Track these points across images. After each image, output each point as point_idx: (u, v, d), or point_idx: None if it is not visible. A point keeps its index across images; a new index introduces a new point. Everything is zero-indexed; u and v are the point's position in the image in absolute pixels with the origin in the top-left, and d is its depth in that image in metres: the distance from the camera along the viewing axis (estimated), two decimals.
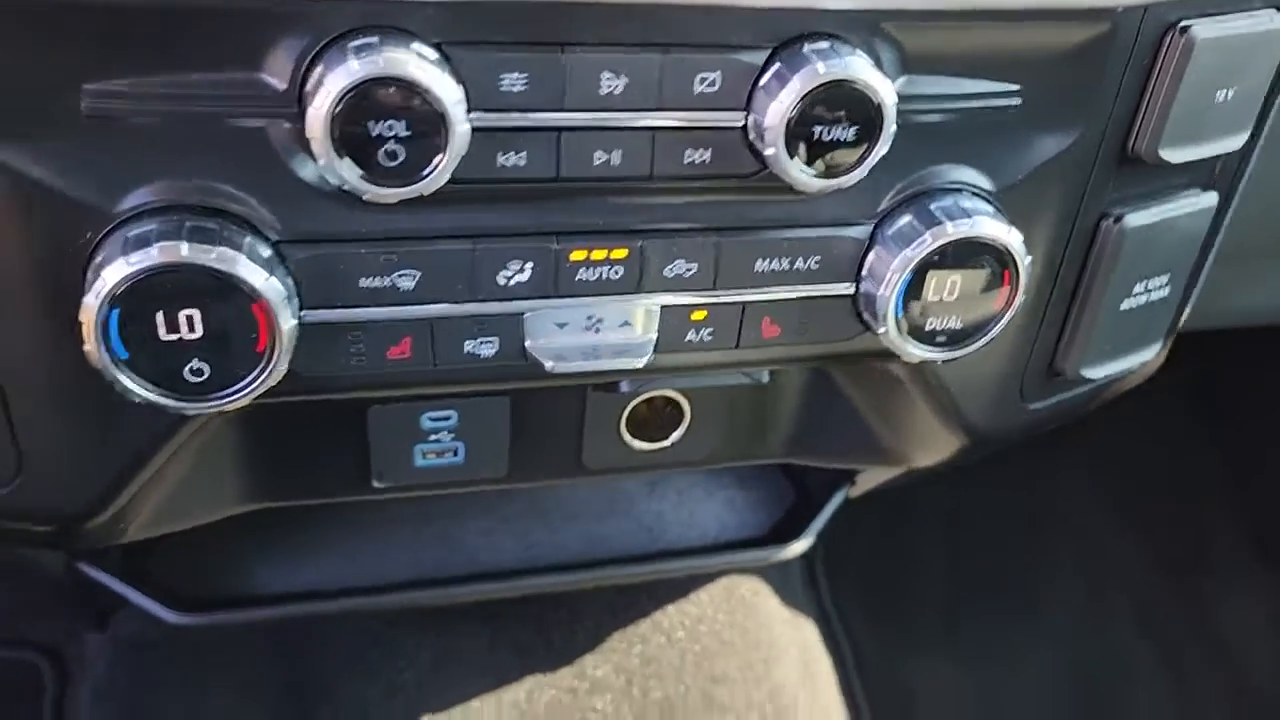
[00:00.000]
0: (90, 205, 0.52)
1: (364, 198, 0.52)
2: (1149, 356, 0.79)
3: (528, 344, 0.61)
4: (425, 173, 0.51)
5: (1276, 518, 1.49)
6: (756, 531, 1.13)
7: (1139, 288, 0.73)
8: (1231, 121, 0.68)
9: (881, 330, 0.63)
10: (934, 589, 1.54)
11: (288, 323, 0.53)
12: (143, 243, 0.51)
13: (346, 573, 1.05)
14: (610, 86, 0.54)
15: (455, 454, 0.78)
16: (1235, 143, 0.69)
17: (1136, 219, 0.69)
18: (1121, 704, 1.44)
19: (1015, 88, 0.61)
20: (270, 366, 0.54)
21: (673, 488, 1.15)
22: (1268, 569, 1.45)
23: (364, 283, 0.56)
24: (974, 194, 0.63)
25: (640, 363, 0.62)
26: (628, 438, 0.81)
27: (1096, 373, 0.75)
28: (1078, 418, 0.84)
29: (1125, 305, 0.73)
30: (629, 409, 0.80)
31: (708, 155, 0.57)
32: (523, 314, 0.60)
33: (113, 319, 0.51)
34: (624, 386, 0.71)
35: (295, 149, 0.52)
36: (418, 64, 0.49)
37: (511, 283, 0.58)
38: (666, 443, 0.82)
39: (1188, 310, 0.83)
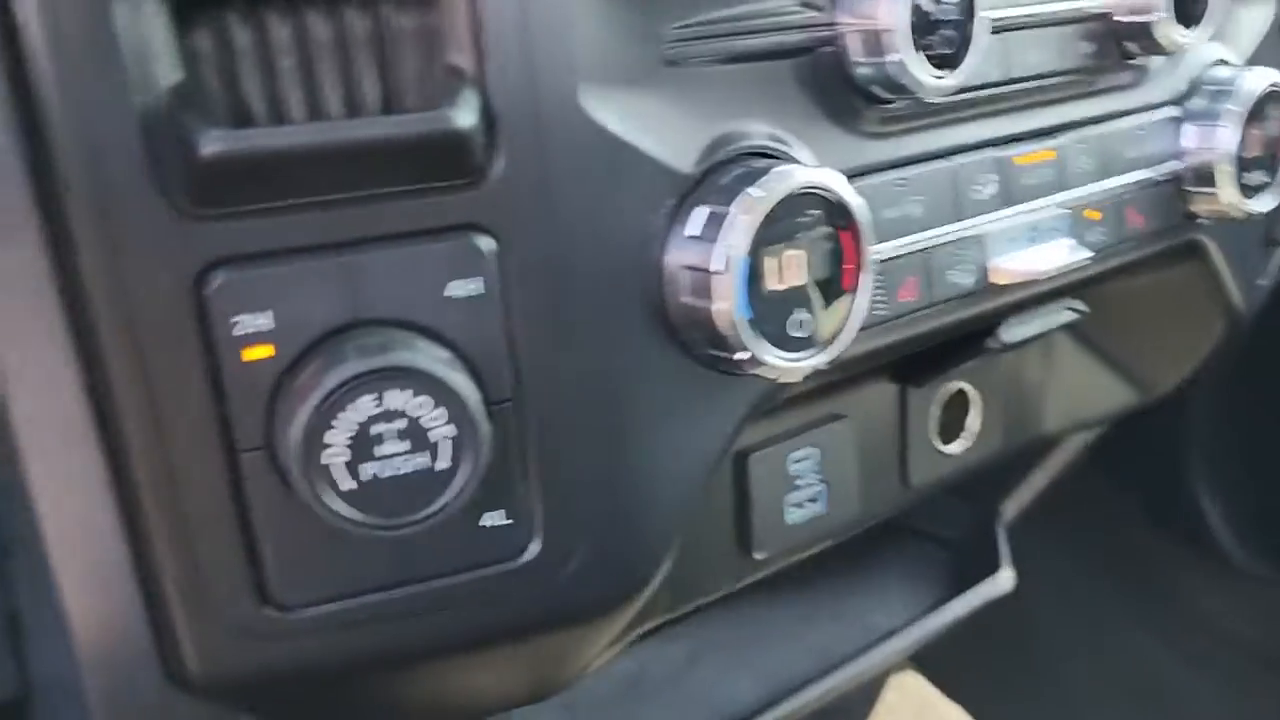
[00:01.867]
0: (670, 168, 0.48)
1: (919, 93, 0.51)
2: None
3: (991, 263, 0.61)
4: (964, 58, 0.52)
5: None
6: (941, 589, 1.11)
7: None
8: None
9: (1222, 190, 0.69)
10: None
11: (870, 249, 0.51)
12: (749, 179, 0.47)
13: None
14: None
15: (817, 500, 0.73)
16: None
17: None
18: None
19: None
20: (855, 301, 0.51)
21: (843, 580, 1.11)
22: None
23: (886, 214, 0.55)
24: (1224, 63, 0.72)
25: (1086, 257, 0.63)
26: (937, 443, 0.80)
27: None
28: None
29: None
30: (936, 415, 0.79)
31: (1093, 47, 0.62)
32: (984, 235, 0.60)
33: (743, 271, 0.47)
34: (1004, 336, 0.71)
35: (835, 79, 0.52)
36: None
37: (982, 196, 0.59)
38: (967, 441, 0.82)
39: None
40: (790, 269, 0.49)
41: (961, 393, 0.82)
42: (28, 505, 0.45)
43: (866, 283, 0.51)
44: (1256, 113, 0.70)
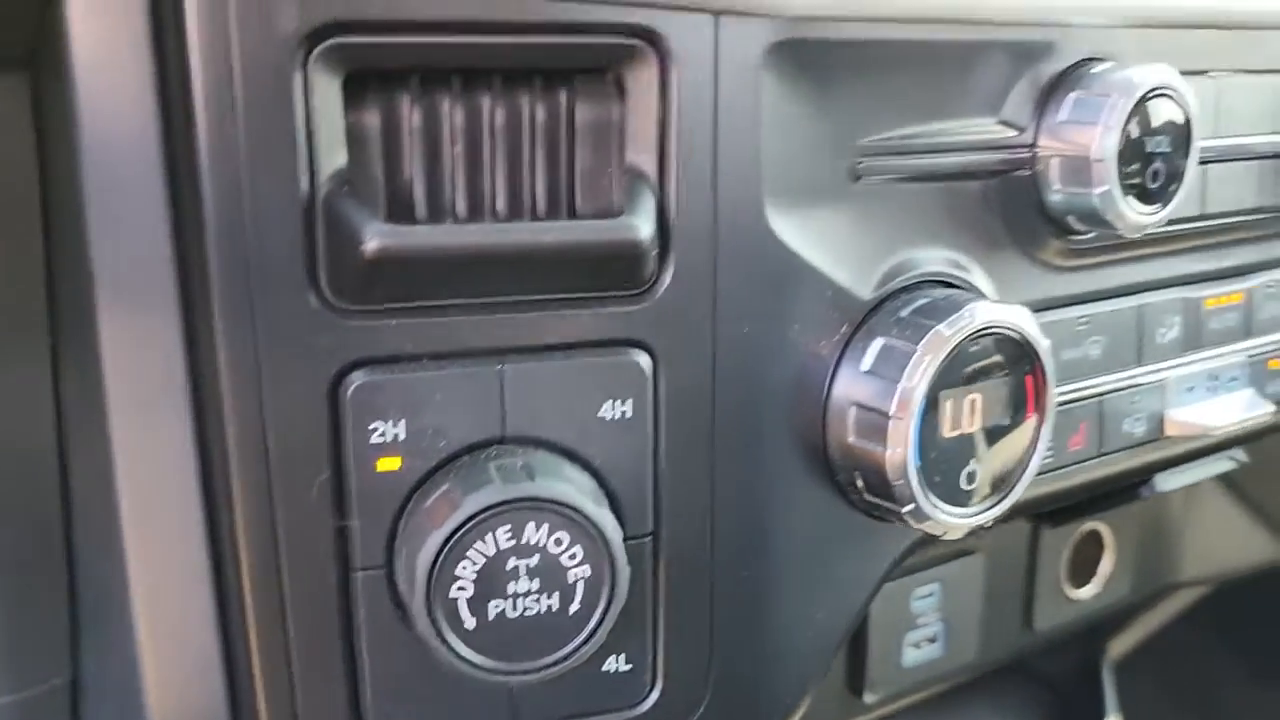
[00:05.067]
0: (850, 292, 0.43)
1: (1120, 229, 0.47)
2: None
3: (1168, 414, 0.55)
4: (1174, 193, 0.47)
5: None
6: None
7: None
8: None
9: None
10: None
11: (1053, 396, 0.46)
12: (933, 313, 0.43)
13: None
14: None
15: (935, 640, 0.68)
16: None
17: None
18: None
19: None
20: (1032, 453, 0.46)
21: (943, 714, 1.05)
22: None
23: (1064, 355, 0.50)
24: None
25: (1266, 411, 0.58)
26: (1066, 586, 0.74)
27: None
28: None
29: None
30: (1067, 556, 0.74)
31: None
32: (1163, 383, 0.55)
33: (919, 416, 0.42)
34: (1160, 485, 0.65)
35: (1024, 205, 0.47)
36: (1179, 77, 0.47)
37: (1166, 340, 0.54)
38: (1097, 586, 0.76)
39: None
40: (967, 414, 0.44)
41: (1095, 533, 0.76)
42: (119, 585, 0.41)
43: (1046, 433, 0.46)
44: None
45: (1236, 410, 0.57)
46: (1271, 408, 0.58)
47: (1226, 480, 0.79)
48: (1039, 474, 0.51)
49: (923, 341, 0.42)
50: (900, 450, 0.42)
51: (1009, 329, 0.43)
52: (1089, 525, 0.75)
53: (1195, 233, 0.54)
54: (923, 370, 0.41)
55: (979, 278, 0.47)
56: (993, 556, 0.69)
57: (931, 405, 0.42)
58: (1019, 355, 0.44)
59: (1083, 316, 0.51)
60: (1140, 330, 0.53)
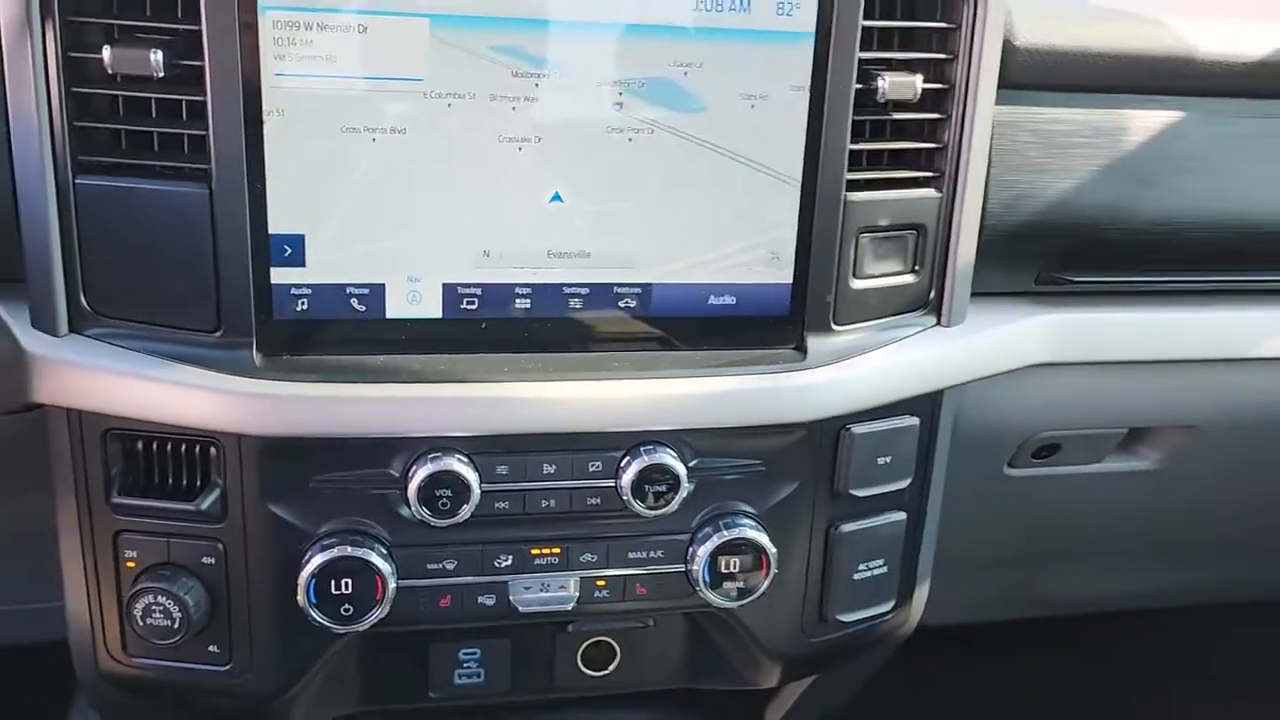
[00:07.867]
0: (305, 531, 1.12)
1: (430, 524, 1.11)
2: (885, 609, 1.33)
3: (511, 598, 1.18)
4: (460, 512, 1.11)
5: None
6: None
7: (863, 566, 1.29)
8: (894, 473, 1.26)
9: (700, 590, 1.19)
10: None
11: (391, 586, 1.11)
12: (329, 548, 1.10)
13: None
14: (548, 470, 1.14)
15: (478, 676, 1.32)
16: (901, 484, 1.27)
17: (848, 527, 1.26)
18: None
19: (759, 461, 1.20)
20: (381, 608, 1.12)
21: None
22: None
23: (429, 566, 1.15)
24: (745, 515, 1.21)
25: (569, 607, 1.18)
26: (581, 668, 1.35)
27: (848, 618, 1.30)
28: (858, 650, 1.37)
29: (857, 576, 1.28)
30: (582, 649, 1.35)
31: (598, 500, 1.16)
32: (507, 582, 1.17)
33: (312, 584, 1.10)
34: (570, 628, 1.26)
35: (400, 502, 1.12)
36: (457, 465, 1.10)
37: (502, 565, 1.17)
38: (607, 671, 1.36)
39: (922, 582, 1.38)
40: (343, 586, 1.10)
41: (610, 645, 1.35)
42: None
43: (389, 598, 1.11)
44: (737, 550, 1.19)
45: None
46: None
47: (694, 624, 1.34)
48: None
49: None
50: (302, 598, 1.10)
51: (362, 560, 1.09)
52: (600, 638, 1.34)
53: (517, 521, 1.16)
54: (308, 571, 1.09)
55: (380, 530, 1.13)
56: (520, 643, 1.32)
57: (318, 584, 1.10)
58: (365, 569, 1.10)
59: (441, 550, 1.14)
60: (482, 559, 1.15)
